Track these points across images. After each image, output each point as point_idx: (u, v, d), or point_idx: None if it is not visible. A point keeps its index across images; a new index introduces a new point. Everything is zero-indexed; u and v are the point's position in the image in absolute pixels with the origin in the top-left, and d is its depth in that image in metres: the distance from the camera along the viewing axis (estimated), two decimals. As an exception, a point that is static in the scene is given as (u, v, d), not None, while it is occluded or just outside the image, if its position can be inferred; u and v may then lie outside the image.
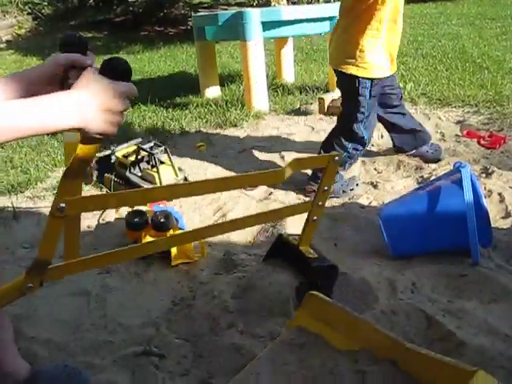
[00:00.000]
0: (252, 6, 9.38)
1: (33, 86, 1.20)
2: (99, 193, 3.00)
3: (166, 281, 2.18)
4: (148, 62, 7.22)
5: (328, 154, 1.49)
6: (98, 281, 2.22)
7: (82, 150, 1.10)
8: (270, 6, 7.68)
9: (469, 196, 1.96)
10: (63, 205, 1.16)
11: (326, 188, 1.47)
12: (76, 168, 1.14)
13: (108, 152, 2.99)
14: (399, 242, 2.13)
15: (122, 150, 2.93)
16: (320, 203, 1.48)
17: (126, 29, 10.67)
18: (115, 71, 1.05)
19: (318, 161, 1.65)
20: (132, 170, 2.82)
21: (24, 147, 3.96)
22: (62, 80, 1.21)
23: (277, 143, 3.52)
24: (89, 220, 2.73)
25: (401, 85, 4.35)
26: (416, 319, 1.75)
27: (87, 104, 1.03)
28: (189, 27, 10.67)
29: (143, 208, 2.43)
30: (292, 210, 1.58)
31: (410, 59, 5.55)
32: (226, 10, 12.08)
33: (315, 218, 1.51)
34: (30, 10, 11.56)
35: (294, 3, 7.43)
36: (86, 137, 1.08)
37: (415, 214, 2.10)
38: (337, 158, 1.44)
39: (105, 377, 1.71)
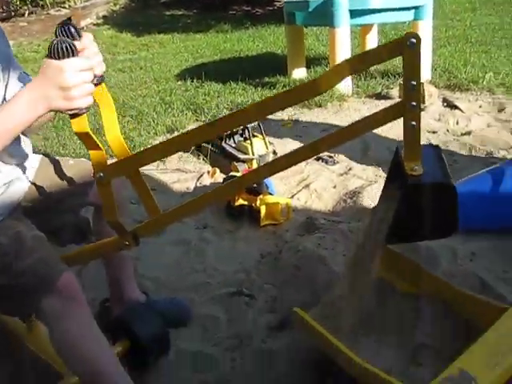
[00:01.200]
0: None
1: None
2: (196, 160, 3.40)
3: (255, 238, 2.53)
4: (237, 42, 7.54)
5: (400, 38, 1.14)
6: (195, 234, 2.60)
7: (74, 124, 1.24)
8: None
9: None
10: (102, 174, 1.31)
11: (413, 82, 1.15)
12: (85, 140, 1.28)
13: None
14: (465, 217, 2.38)
15: (220, 123, 3.28)
16: (413, 103, 1.18)
17: (215, 8, 11.00)
18: (56, 52, 1.16)
19: (387, 50, 1.18)
20: (227, 141, 3.18)
21: (126, 117, 4.39)
22: None
23: (358, 124, 3.77)
24: (187, 183, 3.12)
25: (480, 74, 4.52)
26: (472, 283, 1.99)
27: (45, 90, 1.18)
28: (275, 8, 10.93)
29: (237, 174, 2.78)
30: (383, 117, 1.25)
31: (493, 48, 5.63)
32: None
33: (413, 123, 1.20)
34: (125, -13, 12.11)
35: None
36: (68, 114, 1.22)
37: (480, 191, 2.34)
38: (413, 39, 1.12)
39: (203, 311, 2.07)
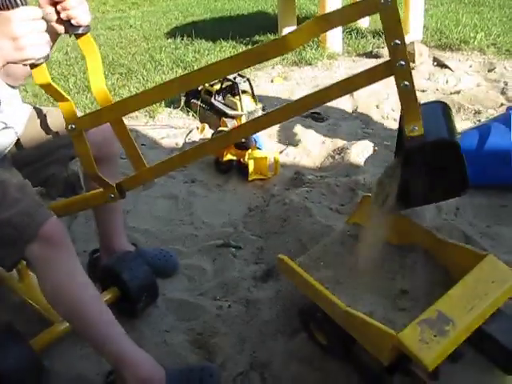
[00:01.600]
0: None
1: None
2: (185, 116, 3.39)
3: (243, 192, 2.56)
4: (228, 0, 7.46)
5: None
6: (184, 188, 2.62)
7: (35, 75, 1.26)
8: None
9: (515, 135, 2.22)
10: (73, 126, 1.35)
11: (397, 41, 1.13)
12: (50, 92, 1.32)
13: (195, 80, 3.35)
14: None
15: (208, 80, 3.28)
16: (402, 62, 1.14)
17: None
18: (3, 3, 1.14)
19: (361, 8, 1.14)
20: (217, 97, 3.17)
21: (115, 74, 4.36)
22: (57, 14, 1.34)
23: (347, 82, 3.80)
24: (176, 138, 3.12)
25: (471, 34, 4.50)
26: (455, 237, 2.03)
27: None
28: (268, -34, 10.78)
29: (225, 129, 2.78)
30: (371, 76, 1.21)
31: (485, 9, 5.59)
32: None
33: (406, 83, 1.17)
34: None
35: None
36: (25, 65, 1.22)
37: (465, 150, 2.36)
38: None
39: (191, 261, 2.11)
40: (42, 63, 1.24)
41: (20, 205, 1.41)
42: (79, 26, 1.35)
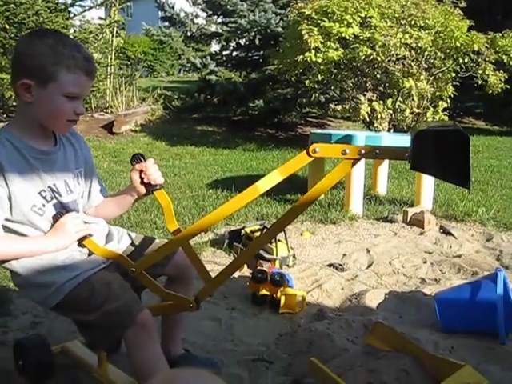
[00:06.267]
0: (355, 121, 10.47)
1: (127, 192, 2.22)
2: (227, 256, 4.00)
3: (275, 321, 3.07)
4: (262, 161, 8.35)
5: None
6: (226, 314, 3.15)
7: (90, 248, 2.02)
8: (373, 124, 8.61)
9: (499, 291, 2.76)
10: (133, 269, 2.02)
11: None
12: (105, 255, 2.04)
13: (239, 227, 4.00)
14: (448, 319, 2.92)
15: (250, 227, 3.93)
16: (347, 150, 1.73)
17: (242, 128, 11.98)
18: (54, 219, 1.96)
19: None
20: (256, 242, 3.78)
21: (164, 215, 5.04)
22: (141, 179, 2.13)
23: (365, 240, 4.42)
24: (219, 274, 3.69)
25: (474, 208, 5.19)
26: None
27: (56, 234, 1.95)
28: (297, 133, 11.93)
29: (265, 268, 3.36)
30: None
31: (489, 187, 6.35)
32: (333, 122, 13.33)
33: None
34: (162, 101, 13.20)
35: (394, 126, 8.38)
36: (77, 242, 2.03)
37: (460, 300, 2.91)
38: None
39: (230, 370, 2.58)
40: (86, 238, 2.00)
41: (122, 299, 1.94)
42: (156, 185, 2.11)
